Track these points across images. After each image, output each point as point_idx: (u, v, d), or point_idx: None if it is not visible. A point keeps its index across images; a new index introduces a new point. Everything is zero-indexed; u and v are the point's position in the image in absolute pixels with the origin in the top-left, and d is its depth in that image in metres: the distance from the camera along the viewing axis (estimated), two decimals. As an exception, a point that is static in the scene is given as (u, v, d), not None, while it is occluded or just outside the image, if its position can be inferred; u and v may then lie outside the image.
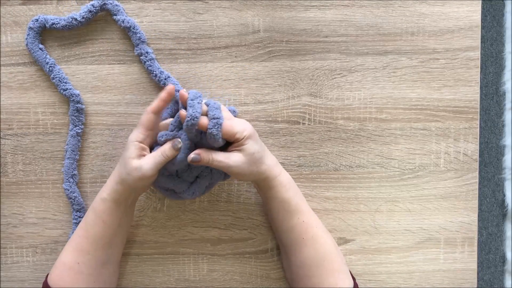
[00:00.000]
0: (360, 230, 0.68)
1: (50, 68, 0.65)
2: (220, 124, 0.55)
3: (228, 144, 0.59)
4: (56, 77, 0.66)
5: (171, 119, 0.60)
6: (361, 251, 0.68)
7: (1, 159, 0.68)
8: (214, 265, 0.69)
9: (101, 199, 0.59)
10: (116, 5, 0.65)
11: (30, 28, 0.65)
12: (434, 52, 0.66)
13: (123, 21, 0.65)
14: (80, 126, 0.66)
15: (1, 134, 0.68)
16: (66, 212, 0.68)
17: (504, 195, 1.12)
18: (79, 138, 0.67)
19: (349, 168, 0.68)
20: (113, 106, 0.67)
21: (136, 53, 0.65)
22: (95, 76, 0.67)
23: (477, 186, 0.68)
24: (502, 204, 1.12)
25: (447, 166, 0.68)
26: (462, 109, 0.67)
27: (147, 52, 0.65)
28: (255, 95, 0.67)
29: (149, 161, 0.57)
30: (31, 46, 0.65)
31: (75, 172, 0.67)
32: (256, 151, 0.57)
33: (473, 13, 0.66)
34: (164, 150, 0.57)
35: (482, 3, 0.94)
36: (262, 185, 0.61)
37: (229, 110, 0.64)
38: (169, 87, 0.58)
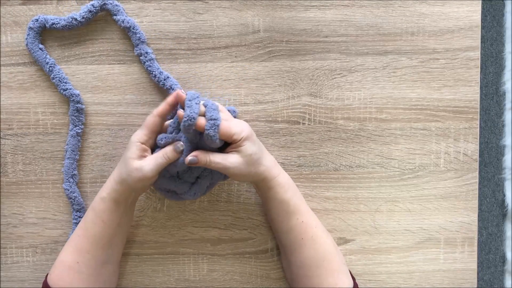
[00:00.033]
0: (360, 230, 0.68)
1: (50, 68, 0.65)
2: (218, 125, 0.55)
3: (227, 144, 0.59)
4: (56, 77, 0.66)
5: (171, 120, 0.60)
6: (361, 251, 0.68)
7: (1, 159, 0.68)
8: (214, 265, 0.69)
9: (100, 199, 0.59)
10: (116, 5, 0.65)
11: (30, 28, 0.65)
12: (434, 52, 0.66)
13: (123, 21, 0.65)
14: (80, 126, 0.66)
15: (1, 134, 0.68)
16: (66, 212, 0.68)
17: (504, 195, 1.12)
18: (79, 138, 0.67)
19: (349, 168, 0.68)
20: (113, 106, 0.67)
21: (136, 53, 0.65)
22: (95, 76, 0.67)
23: (477, 186, 0.68)
24: (502, 204, 1.12)
25: (447, 166, 0.68)
26: (462, 109, 0.67)
27: (146, 52, 0.65)
28: (255, 95, 0.67)
29: (150, 163, 0.57)
30: (31, 46, 0.65)
31: (75, 172, 0.67)
32: (254, 153, 0.57)
33: (473, 13, 0.66)
34: (166, 152, 0.57)
35: (482, 3, 0.94)
36: (261, 186, 0.61)
37: (229, 110, 0.64)
38: (178, 93, 0.58)
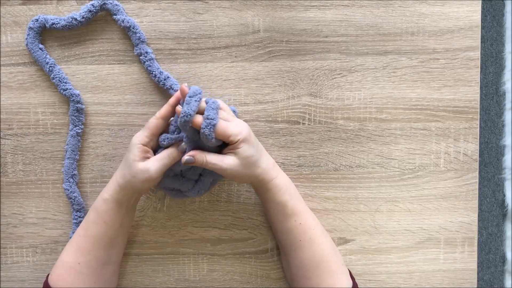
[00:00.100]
0: (360, 230, 0.68)
1: (50, 68, 0.65)
2: (213, 125, 0.55)
3: (227, 143, 0.59)
4: (56, 77, 0.66)
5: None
6: (361, 251, 0.68)
7: (1, 159, 0.68)
8: (214, 265, 0.69)
9: (103, 200, 0.59)
10: (116, 5, 0.65)
11: (30, 28, 0.65)
12: (434, 52, 0.66)
13: (123, 21, 0.65)
14: (80, 126, 0.66)
15: (1, 134, 0.68)
16: (66, 212, 0.68)
17: (504, 195, 1.12)
18: (79, 138, 0.67)
19: (349, 168, 0.68)
20: (113, 106, 0.67)
21: (135, 53, 0.65)
22: (95, 76, 0.67)
23: (477, 186, 0.68)
24: (502, 204, 1.12)
25: (447, 166, 0.68)
26: (462, 109, 0.67)
27: (146, 52, 0.65)
28: (255, 95, 0.67)
29: (156, 164, 0.57)
30: (31, 46, 0.65)
31: (75, 172, 0.67)
32: (251, 155, 0.57)
33: (473, 13, 0.66)
34: (171, 153, 0.58)
35: (482, 3, 0.94)
36: (258, 188, 0.61)
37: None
38: (178, 93, 0.58)
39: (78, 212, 0.67)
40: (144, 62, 0.65)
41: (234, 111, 0.66)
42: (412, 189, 0.68)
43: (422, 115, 0.67)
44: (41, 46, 0.65)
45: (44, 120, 0.67)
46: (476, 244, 0.68)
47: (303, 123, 0.67)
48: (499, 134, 1.11)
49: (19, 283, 0.69)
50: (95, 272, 0.60)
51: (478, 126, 0.67)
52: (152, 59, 0.65)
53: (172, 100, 0.59)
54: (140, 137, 0.58)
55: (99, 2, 0.64)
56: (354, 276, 0.67)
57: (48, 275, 0.62)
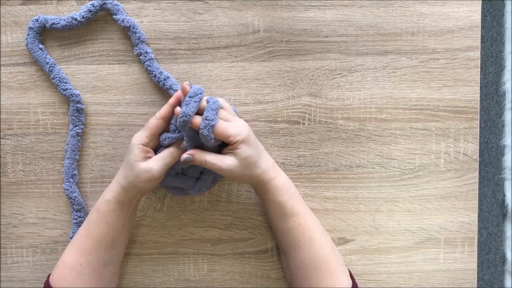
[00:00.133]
0: (360, 230, 0.68)
1: (50, 68, 0.65)
2: (212, 126, 0.55)
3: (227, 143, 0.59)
4: (56, 77, 0.66)
5: None
6: (361, 251, 0.68)
7: (1, 159, 0.68)
8: (214, 265, 0.69)
9: (105, 201, 0.59)
10: (116, 5, 0.65)
11: (30, 28, 0.65)
12: (434, 52, 0.66)
13: (122, 21, 0.65)
14: (80, 126, 0.66)
15: (1, 134, 0.68)
16: (66, 212, 0.68)
17: (504, 195, 1.12)
18: (79, 138, 0.67)
19: (349, 168, 0.68)
20: (113, 106, 0.67)
21: (135, 53, 0.65)
22: (95, 76, 0.67)
23: (477, 186, 0.68)
24: (502, 204, 1.12)
25: (447, 166, 0.68)
26: (462, 109, 0.67)
27: (146, 52, 0.65)
28: (255, 95, 0.67)
29: (158, 163, 0.57)
30: (31, 46, 0.65)
31: (75, 172, 0.67)
32: (249, 156, 0.57)
33: (473, 13, 0.66)
34: (173, 152, 0.58)
35: (482, 3, 0.94)
36: (257, 188, 0.61)
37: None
38: (178, 93, 0.59)
39: (78, 212, 0.67)
40: (144, 62, 0.65)
41: (234, 111, 0.66)
42: (412, 189, 0.68)
43: (422, 115, 0.67)
44: (41, 46, 0.65)
45: (44, 120, 0.67)
46: (476, 244, 0.68)
47: (303, 123, 0.67)
48: (499, 134, 1.11)
49: (19, 283, 0.69)
50: (96, 273, 0.60)
51: (478, 126, 0.67)
52: (152, 59, 0.65)
53: (172, 100, 0.59)
54: (140, 137, 0.58)
55: (99, 2, 0.64)
56: (354, 276, 0.67)
57: (49, 275, 0.62)
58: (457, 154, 0.67)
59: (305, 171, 0.68)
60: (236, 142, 0.57)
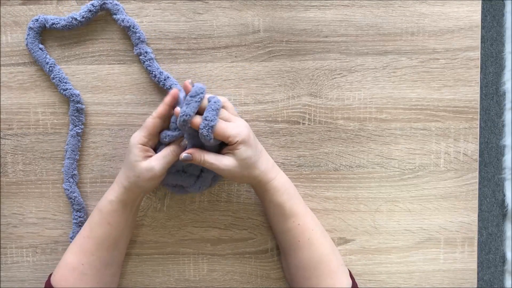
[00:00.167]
0: (360, 230, 0.68)
1: (50, 68, 0.65)
2: (212, 126, 0.55)
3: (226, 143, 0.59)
4: (56, 77, 0.66)
5: None
6: (361, 251, 0.68)
7: (1, 159, 0.68)
8: (214, 265, 0.69)
9: (108, 201, 0.59)
10: (116, 5, 0.65)
11: (30, 28, 0.65)
12: (434, 52, 0.66)
13: (122, 21, 0.65)
14: (80, 126, 0.66)
15: (1, 134, 0.68)
16: (66, 212, 0.68)
17: (504, 195, 1.12)
18: (79, 138, 0.67)
19: (349, 168, 0.68)
20: (113, 106, 0.67)
21: (135, 53, 0.65)
22: (95, 76, 0.67)
23: (477, 186, 0.68)
24: (502, 204, 1.12)
25: (447, 166, 0.68)
26: (462, 109, 0.67)
27: (146, 52, 0.65)
28: (255, 95, 0.67)
29: (160, 161, 0.57)
30: (31, 46, 0.65)
31: (75, 172, 0.67)
32: (248, 157, 0.57)
33: (473, 13, 0.66)
34: (174, 149, 0.58)
35: (482, 3, 0.94)
36: (257, 188, 0.61)
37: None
38: (174, 91, 0.58)
39: (78, 212, 0.67)
40: (144, 62, 0.65)
41: (234, 111, 0.66)
42: (412, 189, 0.68)
43: (422, 115, 0.67)
44: (41, 46, 0.65)
45: (44, 120, 0.67)
46: (476, 244, 0.68)
47: (303, 123, 0.67)
48: (499, 134, 1.11)
49: (19, 283, 0.69)
50: (98, 273, 0.60)
51: (478, 126, 0.67)
52: (152, 59, 0.65)
53: (167, 99, 0.58)
54: (139, 137, 0.58)
55: (99, 2, 0.64)
56: (354, 276, 0.67)
57: (50, 275, 0.62)
58: (457, 154, 0.67)
59: (305, 171, 0.68)
60: (235, 143, 0.57)
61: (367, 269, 0.69)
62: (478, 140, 0.67)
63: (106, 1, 0.64)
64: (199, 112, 0.57)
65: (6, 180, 0.68)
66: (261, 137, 0.67)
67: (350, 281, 0.62)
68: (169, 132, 0.59)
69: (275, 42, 0.66)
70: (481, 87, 1.09)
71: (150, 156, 0.58)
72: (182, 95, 0.59)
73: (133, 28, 0.65)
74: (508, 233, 1.12)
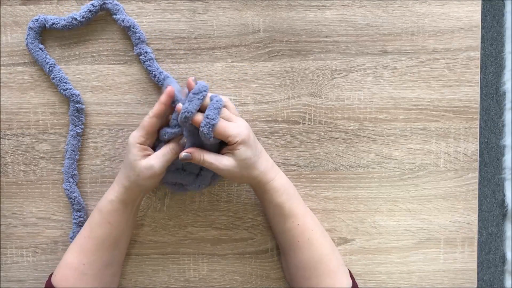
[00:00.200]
0: (360, 230, 0.68)
1: (50, 68, 0.65)
2: (212, 125, 0.55)
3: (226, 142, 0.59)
4: (56, 77, 0.66)
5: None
6: (361, 251, 0.68)
7: (1, 159, 0.68)
8: (214, 265, 0.69)
9: (108, 201, 0.59)
10: (116, 4, 0.65)
11: (30, 28, 0.65)
12: (434, 52, 0.66)
13: (122, 21, 0.65)
14: (80, 126, 0.66)
15: (1, 134, 0.68)
16: (66, 212, 0.68)
17: (504, 195, 1.12)
18: (79, 138, 0.67)
19: (349, 168, 0.68)
20: (113, 106, 0.67)
21: (135, 53, 0.65)
22: (95, 76, 0.67)
23: (477, 186, 0.68)
24: (502, 204, 1.12)
25: (447, 166, 0.68)
26: (462, 109, 0.67)
27: (146, 52, 0.65)
28: (255, 95, 0.67)
29: (159, 159, 0.57)
30: (31, 46, 0.65)
31: (75, 172, 0.67)
32: (248, 157, 0.57)
33: (473, 13, 0.66)
34: (173, 147, 0.58)
35: (482, 3, 0.94)
36: (256, 189, 0.61)
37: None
38: (168, 89, 0.58)
39: (78, 212, 0.67)
40: (144, 62, 0.65)
41: (234, 111, 0.66)
42: (412, 189, 0.68)
43: (422, 115, 0.67)
44: (41, 46, 0.65)
45: (44, 120, 0.67)
46: (476, 244, 0.68)
47: (303, 123, 0.67)
48: (499, 134, 1.11)
49: (19, 283, 0.69)
50: (99, 273, 0.61)
51: (478, 126, 0.67)
52: (152, 59, 0.65)
53: (163, 98, 0.58)
54: (137, 137, 0.58)
55: (99, 2, 0.64)
56: (354, 276, 0.67)
57: (51, 275, 0.62)
58: (457, 154, 0.67)
59: (305, 171, 0.68)
60: (235, 143, 0.57)
61: (367, 269, 0.69)
62: (478, 140, 0.67)
63: (106, 1, 0.64)
64: (201, 110, 0.57)
65: (6, 180, 0.68)
66: (261, 137, 0.67)
67: (350, 281, 0.62)
68: (168, 129, 0.59)
69: (275, 42, 0.66)
70: (481, 87, 1.09)
71: (149, 155, 0.58)
72: (178, 93, 0.59)
73: (133, 28, 0.65)
74: (508, 233, 1.12)
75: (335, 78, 0.66)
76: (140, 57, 0.65)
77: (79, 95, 0.66)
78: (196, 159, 0.57)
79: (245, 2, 0.66)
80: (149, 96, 0.67)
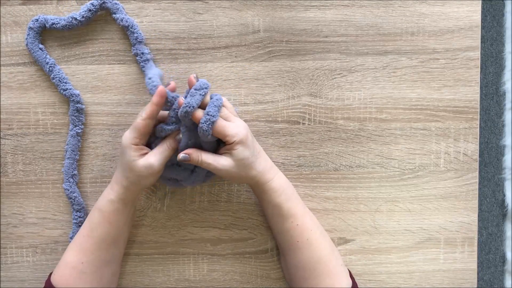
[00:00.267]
0: (360, 230, 0.68)
1: (50, 68, 0.65)
2: (212, 122, 0.56)
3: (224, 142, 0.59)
4: (56, 77, 0.66)
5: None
6: (361, 251, 0.68)
7: (1, 159, 0.68)
8: (214, 265, 0.69)
9: (108, 201, 0.59)
10: (116, 4, 0.65)
11: (30, 28, 0.65)
12: (434, 52, 0.66)
13: (121, 20, 0.65)
14: (80, 126, 0.66)
15: (1, 134, 0.68)
16: (66, 212, 0.68)
17: (504, 195, 1.12)
18: (79, 138, 0.67)
19: (349, 168, 0.68)
20: (113, 106, 0.67)
21: (133, 53, 0.65)
22: (95, 76, 0.67)
23: (477, 186, 0.68)
24: (502, 204, 1.12)
25: (447, 166, 0.68)
26: (462, 109, 0.67)
27: (142, 53, 0.65)
28: (255, 95, 0.67)
29: (158, 157, 0.58)
30: (31, 46, 0.65)
31: (75, 172, 0.67)
32: (246, 158, 0.57)
33: (473, 13, 0.66)
34: (171, 144, 0.58)
35: (482, 3, 0.94)
36: (255, 189, 0.62)
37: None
38: (160, 90, 0.57)
39: (78, 212, 0.67)
40: (140, 62, 0.65)
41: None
42: (412, 189, 0.68)
43: (422, 115, 0.67)
44: (41, 46, 0.65)
45: (44, 120, 0.67)
46: (476, 244, 0.68)
47: (303, 123, 0.67)
48: (499, 134, 1.11)
49: (19, 283, 0.69)
50: (98, 272, 0.61)
51: (478, 126, 0.67)
52: (148, 60, 0.65)
53: (155, 99, 0.57)
54: (130, 138, 0.57)
55: (99, 1, 0.64)
56: (354, 276, 0.67)
57: (50, 274, 0.62)
58: (457, 154, 0.67)
59: (305, 171, 0.68)
60: (233, 143, 0.57)
61: (367, 269, 0.69)
62: (478, 140, 0.67)
63: (106, 0, 0.64)
64: (201, 107, 0.57)
65: (6, 180, 0.68)
66: (261, 137, 0.67)
67: (350, 281, 0.62)
68: (165, 126, 0.59)
69: (275, 42, 0.66)
70: (481, 87, 1.09)
71: (145, 153, 0.58)
72: (168, 92, 0.59)
73: (132, 28, 0.65)
74: (508, 233, 1.12)
75: (335, 78, 0.66)
76: (137, 57, 0.65)
77: (79, 95, 0.66)
78: (194, 160, 0.57)
79: (245, 2, 0.66)
80: (149, 96, 0.67)
